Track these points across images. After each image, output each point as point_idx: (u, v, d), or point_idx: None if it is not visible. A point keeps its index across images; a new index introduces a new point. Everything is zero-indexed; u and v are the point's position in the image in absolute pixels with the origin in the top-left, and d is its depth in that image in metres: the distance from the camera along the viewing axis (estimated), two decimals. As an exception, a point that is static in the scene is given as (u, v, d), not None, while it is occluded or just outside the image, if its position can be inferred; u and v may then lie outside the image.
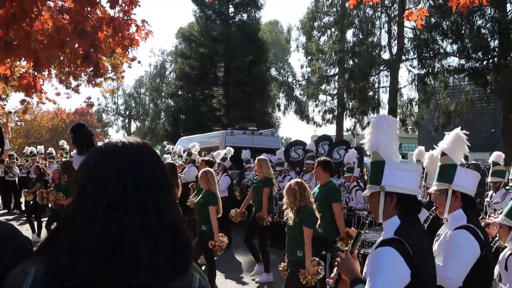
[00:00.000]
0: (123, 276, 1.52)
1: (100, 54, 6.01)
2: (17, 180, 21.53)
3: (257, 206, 10.91)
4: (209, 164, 12.34)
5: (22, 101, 21.75)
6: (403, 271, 2.83)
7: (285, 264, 7.41)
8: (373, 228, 10.74)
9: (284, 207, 7.34)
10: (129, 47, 7.17)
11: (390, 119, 3.34)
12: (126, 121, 78.41)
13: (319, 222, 7.06)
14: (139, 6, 7.19)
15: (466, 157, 4.23)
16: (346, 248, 3.36)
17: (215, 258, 8.97)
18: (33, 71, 5.98)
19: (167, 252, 1.59)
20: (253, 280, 10.56)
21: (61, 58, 6.32)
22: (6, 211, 21.44)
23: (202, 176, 8.91)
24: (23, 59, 6.07)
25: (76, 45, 5.68)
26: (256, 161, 11.23)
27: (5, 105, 27.72)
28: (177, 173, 11.42)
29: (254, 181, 11.50)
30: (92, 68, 5.84)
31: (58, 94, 20.91)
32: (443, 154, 4.14)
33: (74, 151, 5.84)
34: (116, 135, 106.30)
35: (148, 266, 1.55)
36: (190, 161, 16.37)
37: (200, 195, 9.04)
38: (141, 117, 75.81)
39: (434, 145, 4.45)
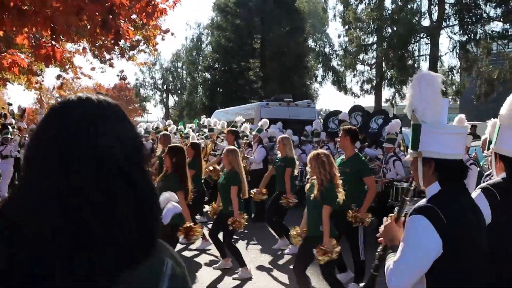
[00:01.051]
0: (75, 261, 1.21)
1: (120, 22, 5.76)
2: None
3: (279, 186, 10.66)
4: (235, 135, 12.15)
5: (58, 76, 21.84)
6: (432, 241, 2.66)
7: (297, 232, 7.07)
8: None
9: (308, 176, 7.00)
10: (154, 15, 6.92)
11: (429, 76, 3.05)
12: (164, 95, 78.61)
13: (341, 197, 6.64)
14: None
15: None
16: (392, 214, 3.16)
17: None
18: (51, 40, 5.78)
19: (131, 232, 1.28)
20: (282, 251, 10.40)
21: (80, 25, 6.05)
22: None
23: (225, 156, 8.68)
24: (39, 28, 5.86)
25: (94, 13, 5.43)
26: (278, 139, 10.95)
27: (42, 81, 27.91)
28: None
29: (277, 159, 11.20)
30: (112, 36, 5.59)
31: (93, 69, 21.01)
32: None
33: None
34: (154, 109, 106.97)
35: (106, 246, 1.24)
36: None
37: (223, 176, 8.79)
38: (179, 91, 75.78)
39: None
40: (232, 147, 9.32)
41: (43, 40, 6.70)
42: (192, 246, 10.58)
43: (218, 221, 8.79)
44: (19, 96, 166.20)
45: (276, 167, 10.91)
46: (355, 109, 16.13)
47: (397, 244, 2.93)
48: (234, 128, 13.54)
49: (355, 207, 7.81)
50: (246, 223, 8.56)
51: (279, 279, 8.62)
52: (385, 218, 3.16)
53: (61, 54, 6.04)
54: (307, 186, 6.91)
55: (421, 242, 2.69)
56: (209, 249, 10.43)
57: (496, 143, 3.63)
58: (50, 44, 5.79)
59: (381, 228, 3.14)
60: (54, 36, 5.47)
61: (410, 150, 3.09)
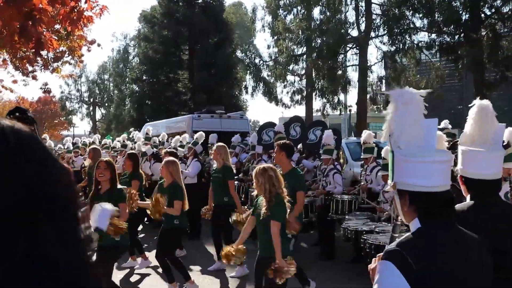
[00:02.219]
0: None
1: (43, 29, 5.14)
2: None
3: (217, 198, 10.20)
4: (174, 156, 11.62)
5: (-25, 90, 20.67)
6: (398, 286, 2.26)
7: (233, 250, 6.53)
8: (353, 213, 10.13)
9: (254, 193, 6.53)
10: (80, 23, 6.34)
11: (406, 93, 2.59)
12: (91, 108, 77.09)
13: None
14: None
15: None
16: (379, 255, 2.62)
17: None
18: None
19: None
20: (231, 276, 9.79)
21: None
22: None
23: (164, 168, 8.11)
24: None
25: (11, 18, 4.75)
26: (214, 148, 10.50)
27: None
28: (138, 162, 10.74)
29: (214, 170, 10.69)
30: (33, 45, 4.95)
31: (15, 81, 19.94)
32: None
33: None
34: (80, 123, 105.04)
35: None
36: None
37: (163, 189, 8.22)
38: (106, 104, 74.57)
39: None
40: (172, 158, 8.75)
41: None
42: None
43: (161, 238, 8.24)
44: None
45: (213, 178, 10.42)
46: (294, 120, 15.96)
47: None
48: (172, 150, 12.94)
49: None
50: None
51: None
52: (373, 260, 2.68)
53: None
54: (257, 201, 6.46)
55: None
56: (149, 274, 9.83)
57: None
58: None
59: (370, 269, 2.69)
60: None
61: (389, 181, 2.68)
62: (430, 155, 2.47)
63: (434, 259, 2.32)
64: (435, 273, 2.30)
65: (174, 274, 8.24)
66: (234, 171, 11.14)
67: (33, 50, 5.15)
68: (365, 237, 7.91)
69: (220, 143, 10.68)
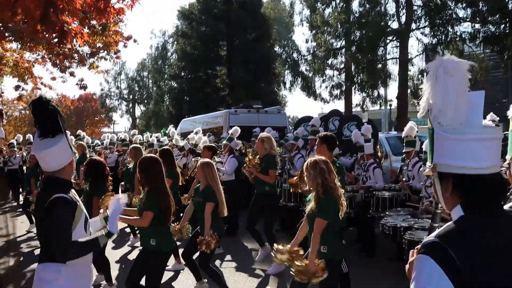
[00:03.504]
0: None
1: (67, 18, 4.92)
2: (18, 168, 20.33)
3: (258, 187, 9.93)
4: (213, 151, 11.32)
5: (16, 87, 20.86)
6: (439, 285, 1.95)
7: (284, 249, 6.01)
8: (393, 209, 9.72)
9: (306, 188, 6.14)
10: (107, 12, 6.12)
11: (448, 62, 2.21)
12: (130, 105, 77.76)
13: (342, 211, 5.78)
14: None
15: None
16: (416, 247, 2.31)
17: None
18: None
19: None
20: (264, 271, 9.47)
21: (16, 20, 5.16)
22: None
23: (199, 170, 7.63)
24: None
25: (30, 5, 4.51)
26: (259, 137, 10.19)
27: (2, 92, 26.99)
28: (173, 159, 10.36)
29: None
30: (56, 34, 4.72)
31: (53, 78, 20.01)
32: None
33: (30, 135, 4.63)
34: (120, 120, 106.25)
35: None
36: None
37: (199, 193, 7.84)
38: (145, 101, 75.16)
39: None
40: (207, 159, 8.30)
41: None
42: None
43: (194, 242, 7.62)
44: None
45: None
46: (333, 113, 15.54)
47: None
48: (211, 144, 12.61)
49: None
50: (218, 246, 7.63)
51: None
52: (410, 254, 2.39)
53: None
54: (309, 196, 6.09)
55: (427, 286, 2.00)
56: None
57: None
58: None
59: (407, 267, 2.37)
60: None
61: (427, 163, 2.35)
62: (477, 131, 2.12)
63: (481, 254, 1.99)
64: (482, 270, 1.96)
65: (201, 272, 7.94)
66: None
67: (57, 39, 4.95)
68: (404, 234, 7.58)
69: (265, 133, 10.42)
